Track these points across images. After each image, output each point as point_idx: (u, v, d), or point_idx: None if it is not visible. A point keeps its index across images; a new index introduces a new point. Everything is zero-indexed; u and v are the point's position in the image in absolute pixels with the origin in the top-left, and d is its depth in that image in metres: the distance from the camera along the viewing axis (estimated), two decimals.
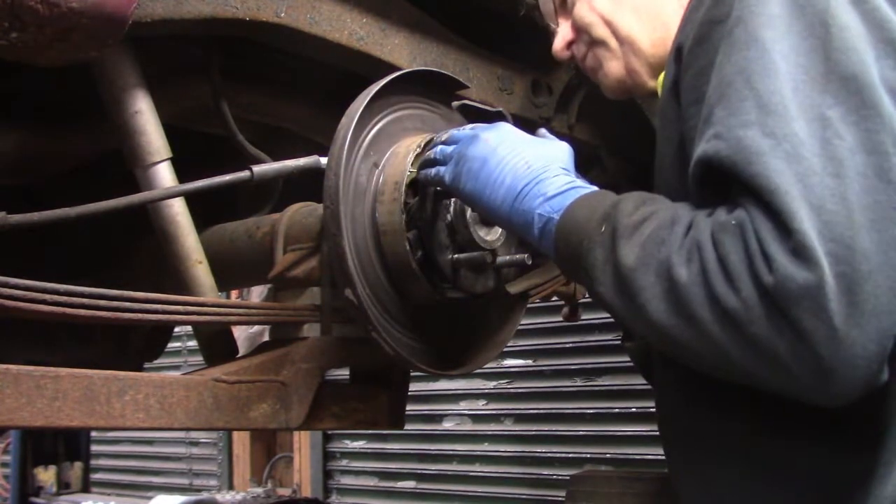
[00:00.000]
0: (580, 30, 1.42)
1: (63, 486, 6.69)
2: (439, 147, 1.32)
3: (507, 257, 1.45)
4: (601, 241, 1.02)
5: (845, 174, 0.88)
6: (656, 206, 1.03)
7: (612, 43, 1.36)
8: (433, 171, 1.31)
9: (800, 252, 0.86)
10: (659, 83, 1.29)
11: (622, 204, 1.05)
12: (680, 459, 1.21)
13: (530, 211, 1.13)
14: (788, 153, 0.89)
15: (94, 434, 6.87)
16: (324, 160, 1.41)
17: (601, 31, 1.38)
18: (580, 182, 1.15)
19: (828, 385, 0.88)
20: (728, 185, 0.95)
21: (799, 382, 0.89)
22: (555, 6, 1.47)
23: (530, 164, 1.17)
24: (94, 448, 7.03)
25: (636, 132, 2.06)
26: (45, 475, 6.64)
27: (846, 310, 0.85)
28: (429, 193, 1.38)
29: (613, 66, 1.38)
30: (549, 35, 1.51)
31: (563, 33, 1.46)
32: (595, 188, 1.14)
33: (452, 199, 1.39)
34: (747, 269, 0.88)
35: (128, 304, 1.24)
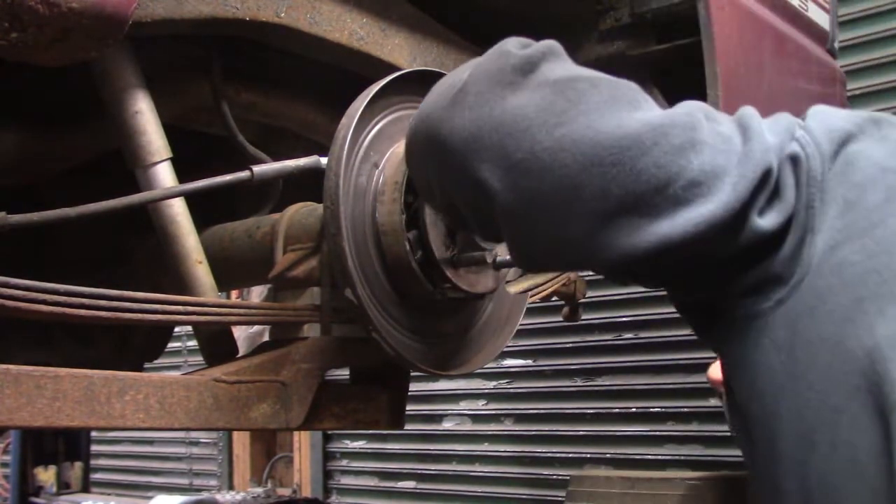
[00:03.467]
0: None
1: (63, 486, 6.67)
2: None
3: (508, 257, 1.45)
4: None
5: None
6: None
7: None
8: None
9: None
10: None
11: None
12: None
13: None
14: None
15: (94, 434, 6.87)
16: (324, 160, 1.41)
17: None
18: None
19: None
20: None
21: None
22: None
23: None
24: (94, 448, 7.02)
25: None
26: (45, 475, 6.63)
27: None
28: None
29: None
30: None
31: None
32: None
33: None
34: None
35: (128, 304, 1.24)
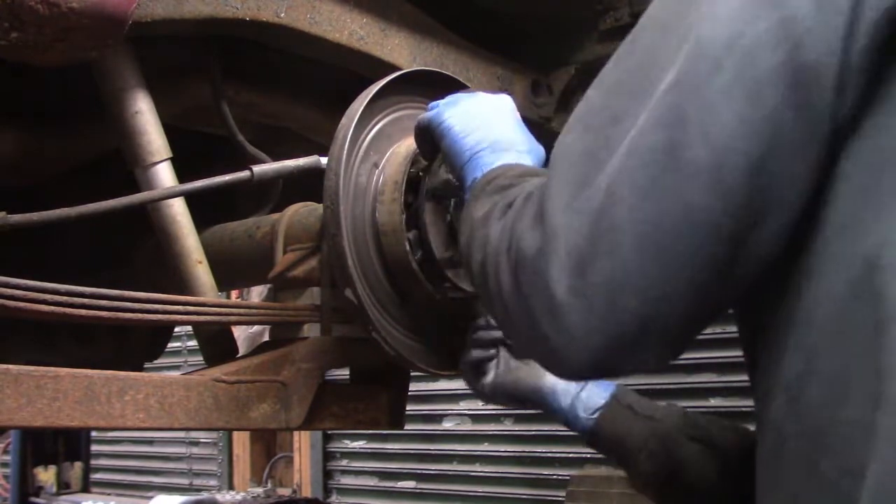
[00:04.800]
0: None
1: (63, 486, 6.68)
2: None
3: None
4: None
5: None
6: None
7: None
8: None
9: None
10: None
11: None
12: None
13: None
14: None
15: (94, 434, 6.87)
16: (324, 160, 1.41)
17: None
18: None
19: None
20: None
21: None
22: None
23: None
24: (94, 448, 7.02)
25: None
26: (45, 475, 6.63)
27: None
28: (429, 193, 1.39)
29: None
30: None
31: None
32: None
33: (452, 199, 1.39)
34: None
35: (128, 304, 1.24)
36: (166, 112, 1.57)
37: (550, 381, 1.37)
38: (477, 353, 1.41)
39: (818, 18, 0.74)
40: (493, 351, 1.41)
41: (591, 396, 1.36)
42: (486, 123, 1.19)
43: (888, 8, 0.73)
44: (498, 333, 1.41)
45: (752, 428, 1.32)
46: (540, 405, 1.39)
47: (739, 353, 0.93)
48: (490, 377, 1.41)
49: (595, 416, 1.35)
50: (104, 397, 1.21)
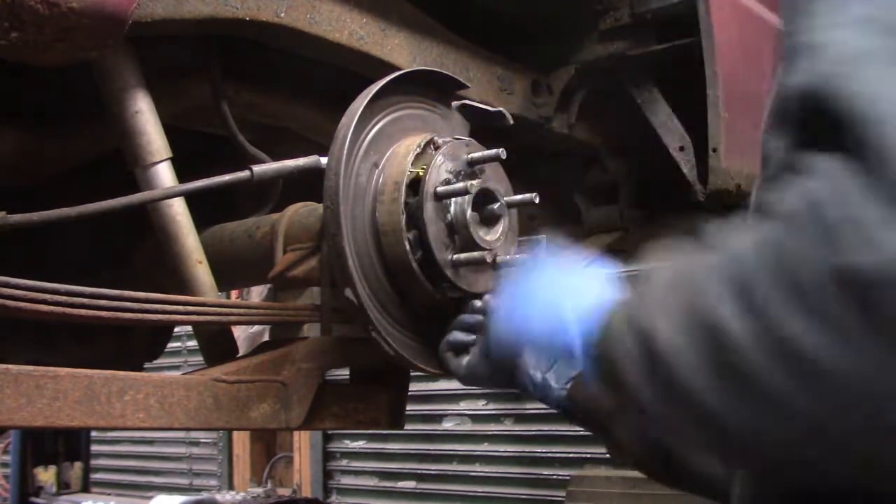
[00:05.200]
0: None
1: (63, 486, 6.68)
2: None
3: (507, 257, 1.45)
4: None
5: None
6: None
7: None
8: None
9: None
10: None
11: None
12: None
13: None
14: None
15: (94, 434, 6.87)
16: (324, 160, 1.41)
17: None
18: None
19: None
20: None
21: None
22: None
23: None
24: (94, 448, 7.03)
25: (636, 132, 2.06)
26: (45, 475, 6.64)
27: None
28: (429, 193, 1.39)
29: None
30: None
31: None
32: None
33: (452, 199, 1.39)
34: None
35: (128, 304, 1.24)
36: (166, 112, 1.57)
37: (523, 358, 1.35)
38: (459, 336, 1.41)
39: None
40: (473, 337, 1.41)
41: (562, 368, 1.32)
42: (548, 302, 1.03)
43: None
44: (481, 318, 1.40)
45: None
46: (513, 383, 1.38)
47: None
48: (466, 359, 1.41)
49: (567, 385, 1.31)
50: (104, 397, 1.21)
